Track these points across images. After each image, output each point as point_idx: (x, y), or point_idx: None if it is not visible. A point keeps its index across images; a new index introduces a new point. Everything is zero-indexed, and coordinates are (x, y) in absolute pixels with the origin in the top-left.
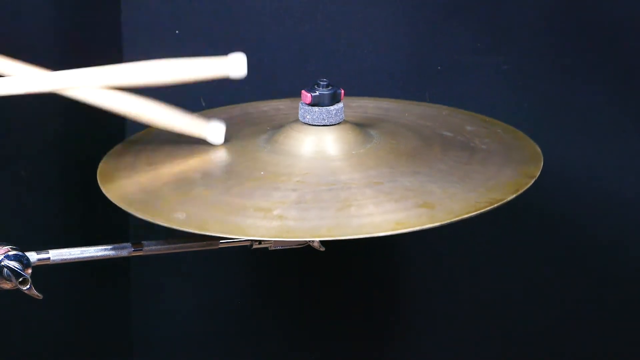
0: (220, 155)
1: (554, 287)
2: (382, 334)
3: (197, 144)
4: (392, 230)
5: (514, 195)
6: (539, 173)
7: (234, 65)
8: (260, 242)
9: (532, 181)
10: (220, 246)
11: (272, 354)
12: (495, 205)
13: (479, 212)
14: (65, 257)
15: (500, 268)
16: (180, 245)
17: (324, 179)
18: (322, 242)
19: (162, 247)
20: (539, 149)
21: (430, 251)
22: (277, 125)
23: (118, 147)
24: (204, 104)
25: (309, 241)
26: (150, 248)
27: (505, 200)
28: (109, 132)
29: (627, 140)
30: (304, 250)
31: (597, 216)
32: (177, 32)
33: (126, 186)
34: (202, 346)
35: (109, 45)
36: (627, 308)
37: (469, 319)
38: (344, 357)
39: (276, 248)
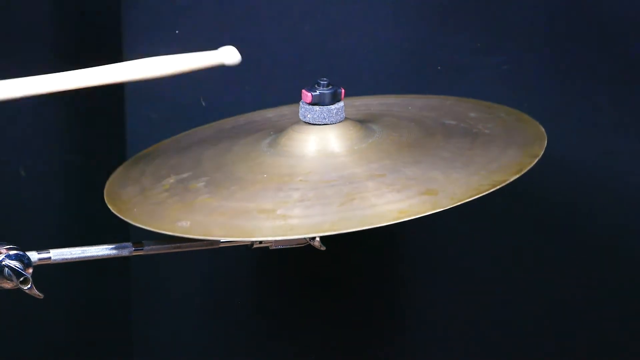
0: (223, 163)
1: (553, 286)
2: (383, 333)
3: (201, 154)
4: (396, 219)
5: (517, 176)
6: (542, 152)
7: (227, 55)
8: (260, 241)
9: (536, 160)
10: (220, 246)
11: (272, 354)
12: (499, 186)
13: (482, 194)
14: (66, 257)
15: (501, 267)
16: (180, 245)
17: (326, 176)
18: (323, 241)
19: (163, 247)
20: (542, 129)
21: (430, 251)
22: (280, 129)
23: (124, 164)
24: (204, 104)
25: (310, 240)
26: (151, 248)
27: (508, 181)
28: (109, 131)
29: (627, 140)
30: (304, 250)
31: (598, 216)
32: (177, 32)
33: (132, 201)
34: (202, 346)
35: (109, 45)
36: (627, 307)
37: (469, 318)
38: (344, 357)
39: (276, 248)
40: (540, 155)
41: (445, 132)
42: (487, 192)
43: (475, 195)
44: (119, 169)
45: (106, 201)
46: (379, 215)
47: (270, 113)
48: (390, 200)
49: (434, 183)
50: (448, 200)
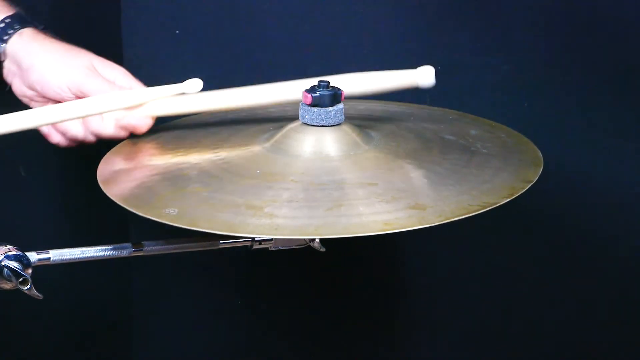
0: (219, 153)
1: (553, 287)
2: (382, 333)
3: (198, 142)
4: (380, 230)
5: (507, 200)
6: (536, 178)
7: (423, 76)
8: (260, 242)
9: (528, 186)
10: (220, 246)
11: (271, 354)
12: (488, 208)
13: (470, 215)
14: (65, 257)
15: (501, 268)
16: (180, 245)
17: (318, 179)
18: (322, 242)
19: (162, 247)
20: (540, 154)
21: (430, 251)
22: (280, 125)
23: (121, 144)
24: None
25: (309, 241)
26: (151, 248)
27: (497, 204)
28: None
29: (627, 140)
30: (304, 251)
31: (597, 216)
32: (177, 32)
33: (123, 181)
34: (202, 346)
35: (109, 45)
36: (627, 308)
37: (469, 319)
38: (344, 356)
39: (276, 248)
40: (534, 181)
41: (443, 147)
42: (475, 213)
43: (464, 214)
44: (115, 148)
45: (98, 180)
46: (364, 225)
47: (273, 107)
48: (378, 210)
49: (424, 198)
50: (435, 217)
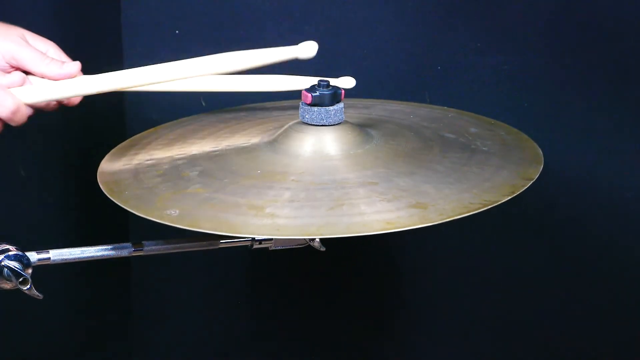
0: (219, 154)
1: (553, 286)
2: (382, 333)
3: (198, 142)
4: (382, 229)
5: (508, 198)
6: (537, 176)
7: (304, 49)
8: (260, 241)
9: (529, 184)
10: (220, 246)
11: (271, 354)
12: (489, 207)
13: (471, 213)
14: (65, 257)
15: (501, 268)
16: (180, 245)
17: (319, 178)
18: (323, 242)
19: (162, 247)
20: (540, 152)
21: (431, 251)
22: (280, 125)
23: (121, 145)
24: (204, 104)
25: (310, 241)
26: (151, 248)
27: (498, 202)
28: (109, 132)
29: (627, 140)
30: (304, 250)
31: (597, 215)
32: (177, 32)
33: (124, 181)
34: (202, 346)
35: (109, 45)
36: (627, 308)
37: (469, 319)
38: (344, 356)
39: (276, 248)
40: (534, 179)
41: (443, 145)
42: (476, 212)
43: (465, 213)
44: (116, 148)
45: (98, 181)
46: (366, 224)
47: (273, 107)
48: (379, 209)
49: (425, 196)
50: (437, 215)
